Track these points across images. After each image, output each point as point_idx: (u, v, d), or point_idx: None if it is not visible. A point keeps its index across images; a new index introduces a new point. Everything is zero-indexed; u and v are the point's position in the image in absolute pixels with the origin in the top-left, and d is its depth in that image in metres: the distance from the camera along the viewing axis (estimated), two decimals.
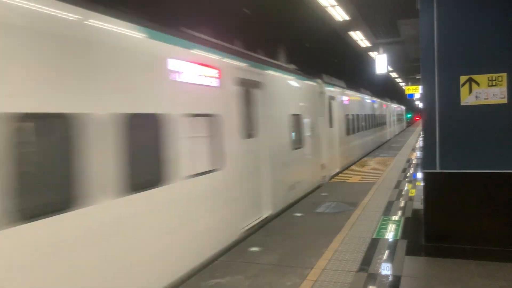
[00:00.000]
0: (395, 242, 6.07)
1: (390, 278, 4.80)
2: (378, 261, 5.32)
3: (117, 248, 4.05)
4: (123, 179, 4.13)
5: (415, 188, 10.09)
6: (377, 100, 24.65)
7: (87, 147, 3.73)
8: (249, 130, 7.18)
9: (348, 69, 25.07)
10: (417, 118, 78.17)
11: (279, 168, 8.37)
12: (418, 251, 5.66)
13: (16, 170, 3.08)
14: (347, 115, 14.86)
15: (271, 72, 8.29)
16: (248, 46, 9.62)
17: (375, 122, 23.05)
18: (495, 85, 5.50)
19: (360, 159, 17.31)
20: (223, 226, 6.14)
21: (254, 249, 5.97)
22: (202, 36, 6.40)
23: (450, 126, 5.72)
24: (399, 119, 42.23)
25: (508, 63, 5.45)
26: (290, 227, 7.13)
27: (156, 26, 4.96)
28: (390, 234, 6.49)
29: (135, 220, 4.30)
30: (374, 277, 4.84)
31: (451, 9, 5.72)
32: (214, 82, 5.96)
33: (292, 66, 10.84)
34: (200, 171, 5.50)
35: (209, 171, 5.72)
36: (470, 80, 5.61)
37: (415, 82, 29.73)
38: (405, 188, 10.24)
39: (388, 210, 8.03)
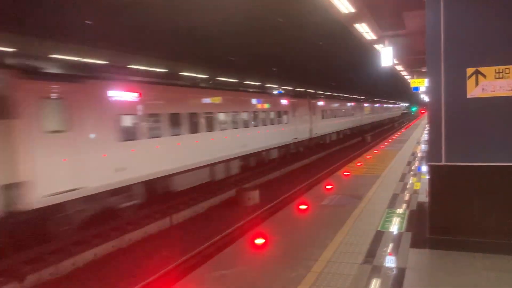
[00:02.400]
0: (400, 234, 6.09)
1: (395, 271, 4.82)
2: (383, 253, 5.34)
3: None
4: None
5: (420, 181, 10.08)
6: None
7: None
8: None
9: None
10: (422, 111, 77.76)
11: None
12: (423, 243, 5.67)
13: None
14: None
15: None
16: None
17: None
18: (502, 78, 5.45)
19: None
20: None
21: (259, 241, 6.00)
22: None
23: (456, 119, 5.69)
24: None
25: None
26: (294, 219, 7.16)
27: None
28: (394, 226, 6.50)
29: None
30: (378, 269, 4.86)
31: (457, 1, 5.66)
32: None
33: None
34: None
35: None
36: (476, 73, 5.56)
37: (420, 75, 29.50)
38: (410, 181, 10.23)
39: (392, 203, 8.04)
